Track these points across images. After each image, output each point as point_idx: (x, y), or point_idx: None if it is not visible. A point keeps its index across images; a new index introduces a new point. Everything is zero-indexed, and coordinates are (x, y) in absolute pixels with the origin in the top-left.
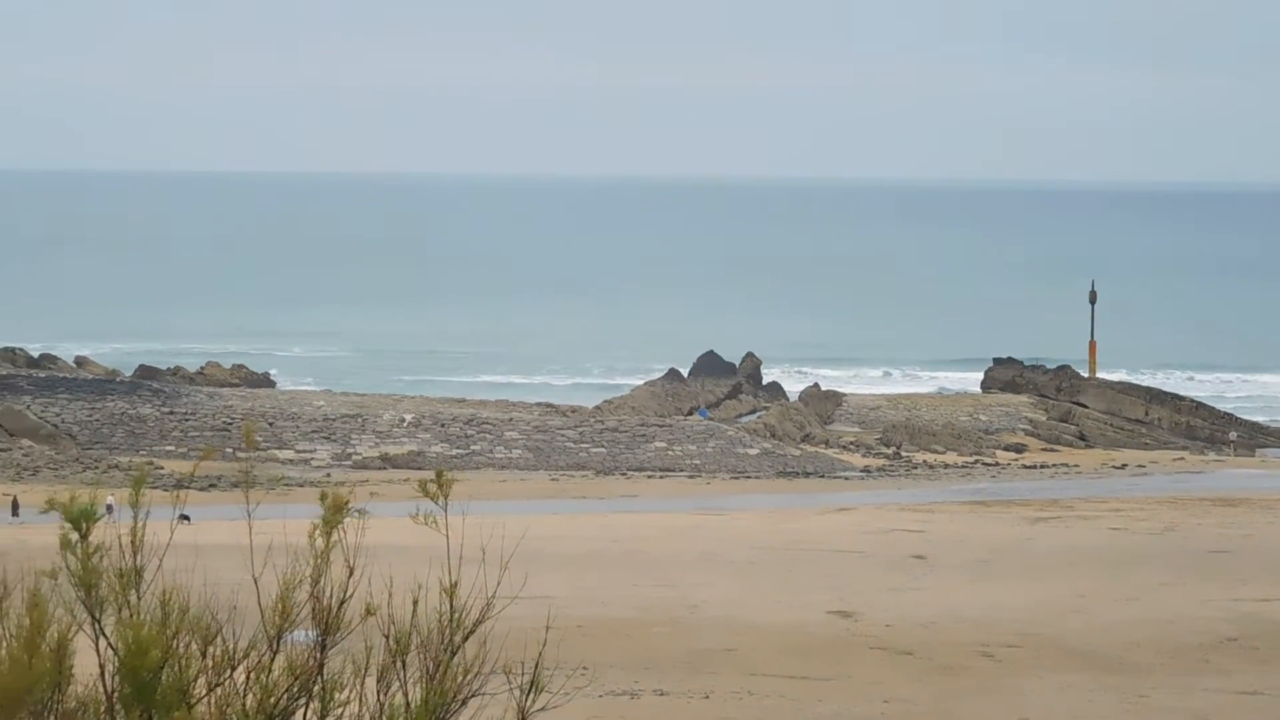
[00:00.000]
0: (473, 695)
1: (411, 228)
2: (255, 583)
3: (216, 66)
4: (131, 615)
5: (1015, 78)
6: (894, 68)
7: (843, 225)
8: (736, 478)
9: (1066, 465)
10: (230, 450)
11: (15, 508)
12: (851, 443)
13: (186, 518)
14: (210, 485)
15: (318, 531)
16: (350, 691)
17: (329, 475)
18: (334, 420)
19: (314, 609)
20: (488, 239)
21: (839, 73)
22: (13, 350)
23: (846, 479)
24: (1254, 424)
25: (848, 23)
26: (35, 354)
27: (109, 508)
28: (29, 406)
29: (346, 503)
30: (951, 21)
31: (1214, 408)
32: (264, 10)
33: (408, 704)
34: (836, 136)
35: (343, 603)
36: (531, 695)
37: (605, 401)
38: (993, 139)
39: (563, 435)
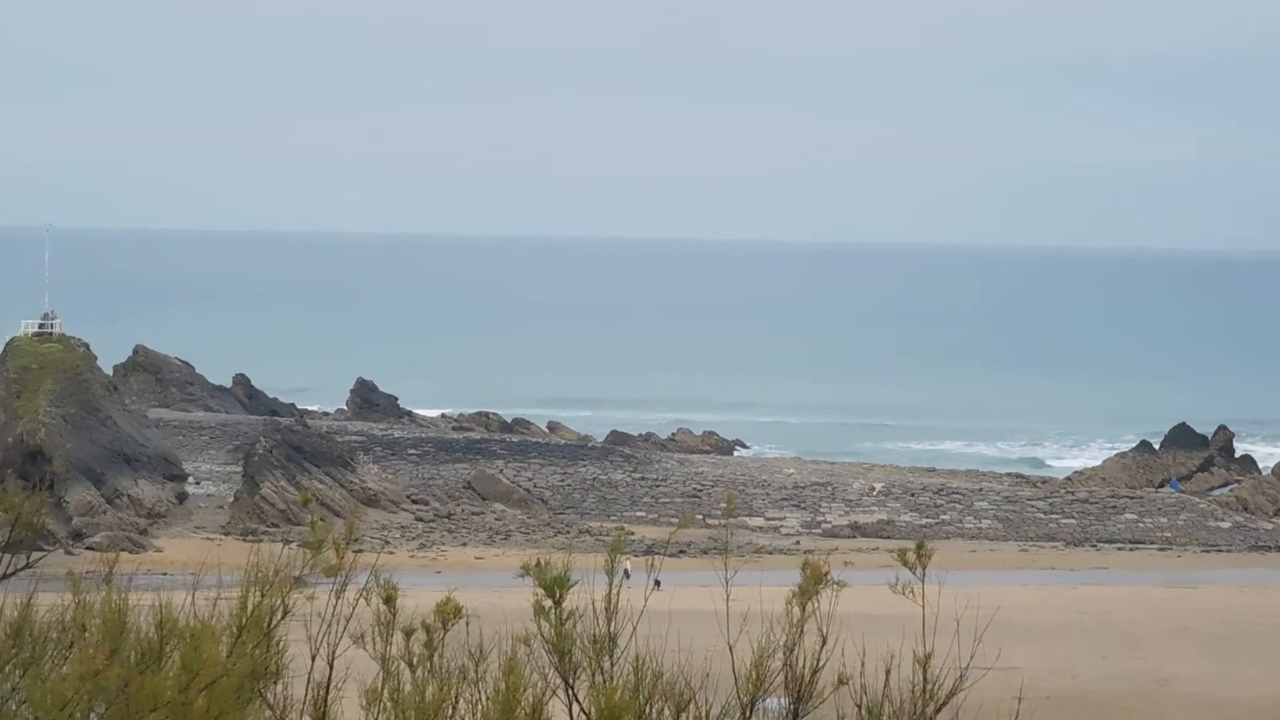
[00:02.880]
0: None
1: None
2: (730, 649)
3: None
4: (605, 681)
5: None
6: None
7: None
8: (1207, 551)
9: None
10: (700, 517)
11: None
12: None
13: (658, 583)
14: (680, 551)
15: (794, 599)
16: None
17: (798, 543)
18: (804, 488)
19: (787, 677)
20: (929, 304)
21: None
22: (486, 415)
23: None
24: None
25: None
26: (508, 419)
27: (626, 573)
28: (502, 471)
29: (826, 573)
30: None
31: None
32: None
33: None
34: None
35: (815, 671)
36: None
37: (1076, 473)
38: None
39: (1033, 506)
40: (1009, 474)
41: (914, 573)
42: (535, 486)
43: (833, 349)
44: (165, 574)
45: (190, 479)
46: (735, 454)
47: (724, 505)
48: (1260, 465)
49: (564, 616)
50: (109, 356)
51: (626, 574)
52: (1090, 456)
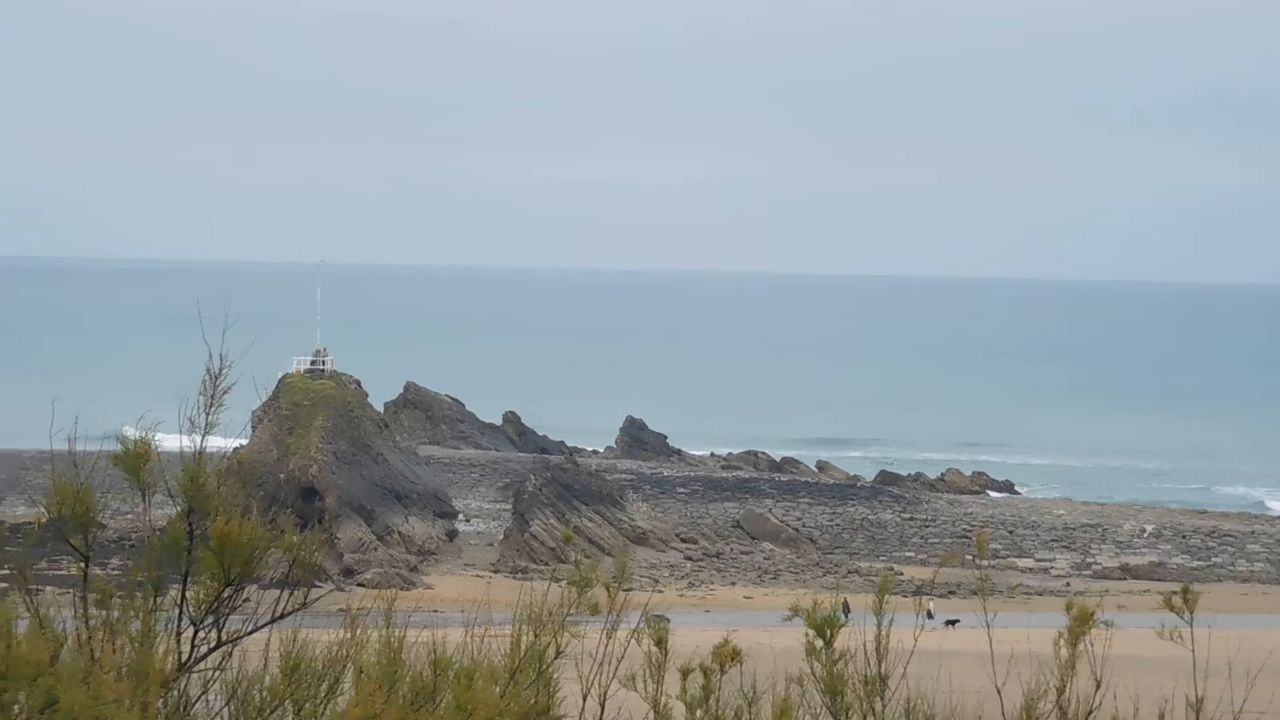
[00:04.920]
0: None
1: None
2: (998, 691)
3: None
4: None
5: None
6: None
7: None
8: None
9: None
10: (970, 557)
11: (846, 608)
12: None
13: (953, 622)
14: (949, 592)
15: (1063, 640)
16: None
17: (1068, 584)
18: (1074, 529)
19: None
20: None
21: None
22: (755, 454)
23: None
24: None
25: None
26: (777, 458)
27: (929, 613)
28: (771, 510)
29: (1092, 614)
30: None
31: None
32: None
33: None
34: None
35: (1089, 715)
36: None
37: None
38: None
39: None
40: None
41: (1181, 616)
42: (804, 526)
43: (1087, 387)
44: (436, 611)
45: (460, 516)
46: (1005, 495)
47: (979, 546)
48: None
49: (835, 657)
50: (379, 393)
51: (930, 614)
52: None
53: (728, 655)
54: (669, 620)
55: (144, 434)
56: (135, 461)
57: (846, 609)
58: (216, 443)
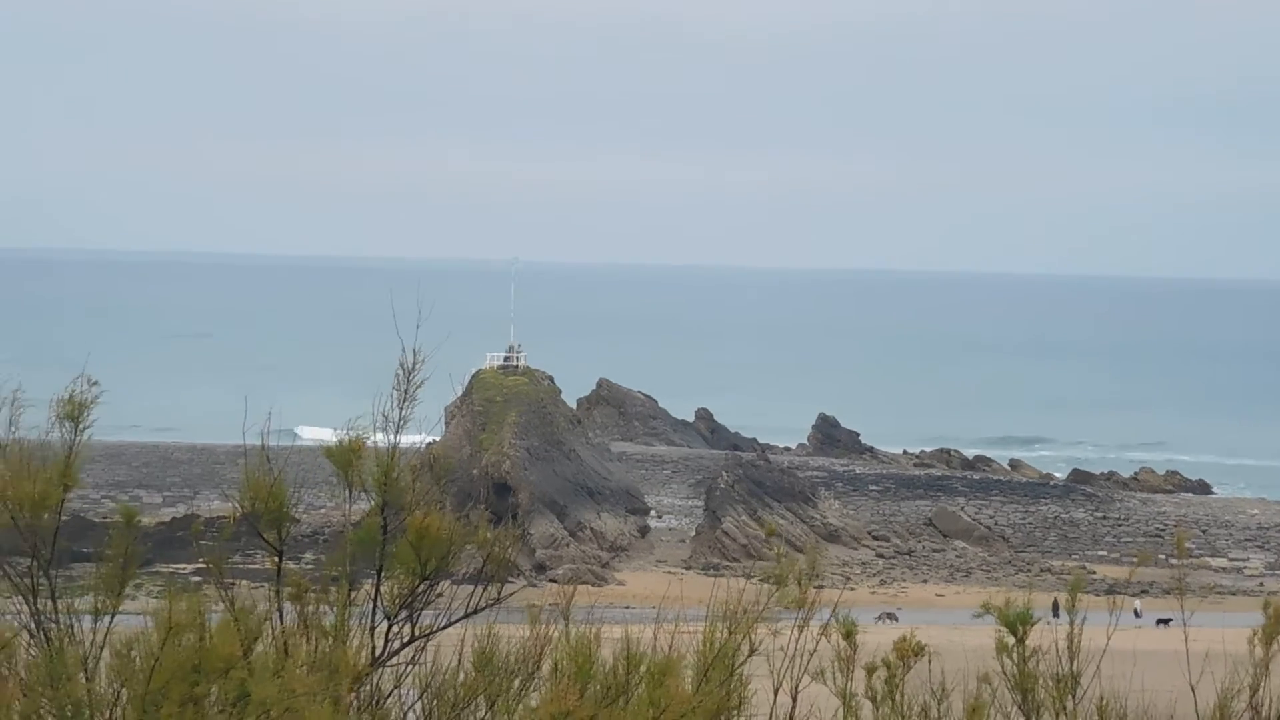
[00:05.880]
0: None
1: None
2: (1192, 690)
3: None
4: None
5: None
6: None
7: None
8: None
9: None
10: (1163, 556)
11: (1056, 608)
12: None
13: (1165, 621)
14: (1142, 591)
15: (1257, 639)
16: None
17: (1262, 584)
18: (1268, 529)
19: (1252, 719)
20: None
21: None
22: (947, 452)
23: None
24: None
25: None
26: (969, 456)
27: (1136, 612)
28: (963, 508)
29: None
30: None
31: None
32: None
33: None
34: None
35: None
36: None
37: None
38: None
39: None
40: None
41: None
42: (996, 524)
43: (1247, 387)
44: (628, 607)
45: (652, 512)
46: (1197, 494)
47: (1179, 546)
48: None
49: (1027, 654)
50: (572, 389)
51: (1136, 613)
52: None
53: (910, 650)
54: (897, 618)
55: (354, 430)
56: (347, 457)
57: (1056, 609)
58: (410, 439)
